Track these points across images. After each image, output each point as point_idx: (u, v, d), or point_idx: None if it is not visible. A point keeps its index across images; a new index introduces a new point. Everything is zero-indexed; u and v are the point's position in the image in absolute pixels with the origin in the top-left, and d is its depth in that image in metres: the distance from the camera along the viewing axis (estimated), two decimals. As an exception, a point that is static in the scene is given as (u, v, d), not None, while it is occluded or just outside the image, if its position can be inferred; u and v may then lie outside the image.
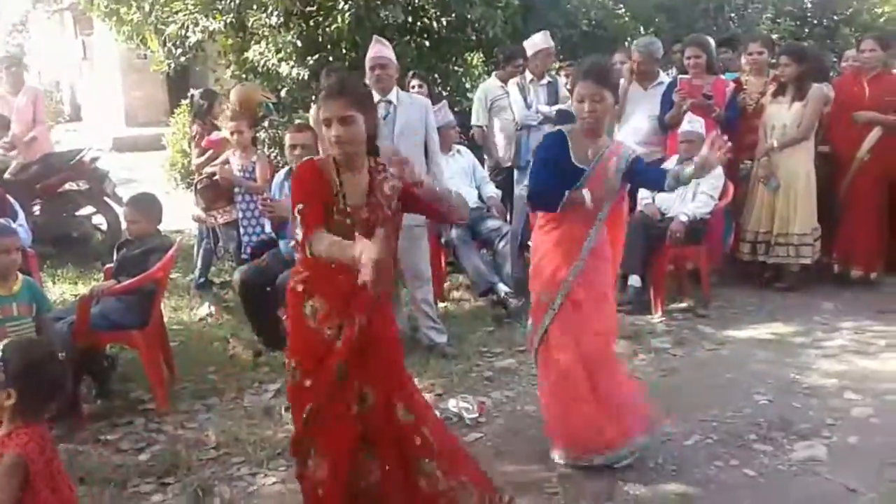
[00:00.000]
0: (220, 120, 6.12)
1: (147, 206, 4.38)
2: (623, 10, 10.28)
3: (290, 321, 2.75)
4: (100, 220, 7.24)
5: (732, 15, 10.36)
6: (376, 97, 4.69)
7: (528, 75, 6.34)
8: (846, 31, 11.48)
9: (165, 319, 4.71)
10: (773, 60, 6.21)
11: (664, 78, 6.17)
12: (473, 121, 6.54)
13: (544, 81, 6.38)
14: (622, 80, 6.32)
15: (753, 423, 3.78)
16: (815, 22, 11.85)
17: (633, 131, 6.07)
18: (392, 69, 4.71)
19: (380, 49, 4.73)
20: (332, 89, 2.65)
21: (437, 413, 3.78)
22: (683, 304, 5.54)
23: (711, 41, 6.25)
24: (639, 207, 5.63)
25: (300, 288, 2.68)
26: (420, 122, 4.71)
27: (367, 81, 4.63)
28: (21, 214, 4.96)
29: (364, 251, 2.24)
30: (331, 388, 2.66)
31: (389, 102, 4.69)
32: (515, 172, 6.30)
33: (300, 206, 2.56)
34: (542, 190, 3.39)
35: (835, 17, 11.81)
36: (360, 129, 2.60)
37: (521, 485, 3.25)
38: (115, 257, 4.38)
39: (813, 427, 3.74)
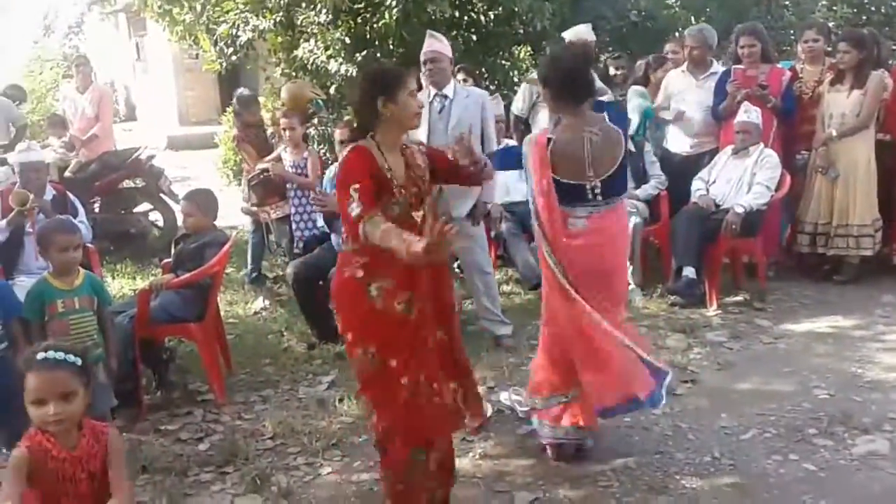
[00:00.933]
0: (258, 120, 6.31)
1: (202, 200, 4.47)
2: (673, 0, 10.12)
3: (351, 310, 2.78)
4: (156, 217, 7.40)
5: (787, 3, 10.11)
6: (432, 92, 4.73)
7: None
8: (908, 19, 11.14)
9: (221, 313, 4.80)
10: (829, 48, 6.05)
11: (717, 68, 6.06)
12: (513, 109, 6.44)
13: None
14: (672, 71, 6.25)
15: (813, 418, 3.71)
16: (873, 9, 11.49)
17: (685, 123, 6.00)
18: (445, 63, 4.71)
19: (431, 44, 4.73)
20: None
21: (490, 406, 3.83)
22: (739, 298, 5.44)
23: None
24: (693, 199, 5.55)
25: (360, 274, 2.72)
26: (476, 116, 4.70)
27: (422, 76, 4.67)
28: (81, 211, 5.09)
29: (412, 245, 2.38)
30: (422, 359, 2.75)
31: (445, 97, 4.70)
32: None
33: (354, 185, 2.61)
34: None
35: (894, 4, 11.45)
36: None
37: (574, 477, 3.24)
38: (172, 252, 4.48)
39: (874, 421, 3.64)
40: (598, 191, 3.27)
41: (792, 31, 9.35)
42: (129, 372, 3.86)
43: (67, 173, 6.86)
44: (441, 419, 2.82)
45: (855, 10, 11.00)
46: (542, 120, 6.38)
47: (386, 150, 2.78)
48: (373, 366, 2.74)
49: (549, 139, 3.25)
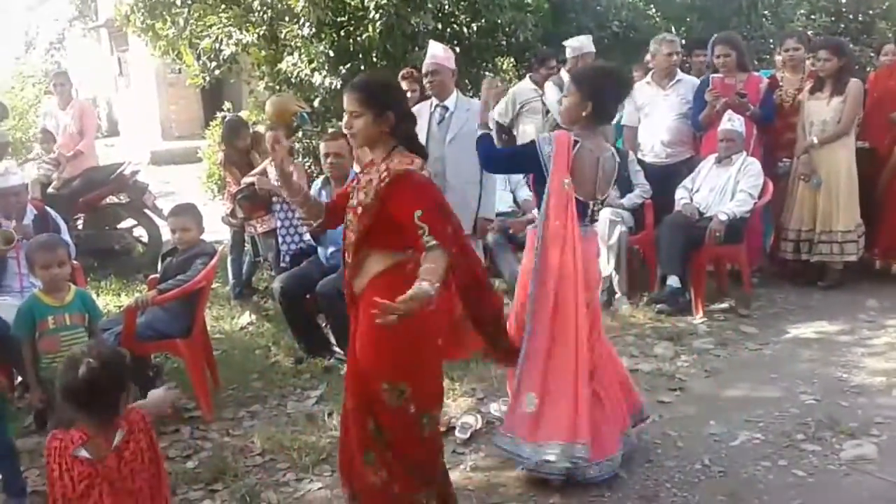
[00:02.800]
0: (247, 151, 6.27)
1: (196, 213, 4.46)
2: (654, 10, 10.22)
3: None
4: (140, 233, 7.36)
5: (766, 12, 10.21)
6: (433, 102, 4.74)
7: (565, 75, 6.32)
8: (882, 26, 11.30)
9: (208, 328, 4.77)
10: (808, 56, 6.12)
11: (681, 76, 6.10)
12: (496, 116, 6.46)
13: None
14: (637, 83, 6.28)
15: (801, 423, 3.73)
16: (851, 17, 11.66)
17: (661, 131, 6.03)
18: (445, 74, 4.72)
19: (432, 54, 4.75)
20: (352, 83, 2.81)
21: (479, 416, 3.83)
22: (724, 305, 5.48)
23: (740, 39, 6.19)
24: (677, 207, 5.59)
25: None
26: (476, 126, 4.71)
27: (425, 87, 4.73)
28: (64, 228, 5.05)
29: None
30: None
31: (446, 108, 4.72)
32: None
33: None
34: None
35: (870, 12, 11.63)
36: (365, 123, 2.68)
37: (565, 489, 3.24)
38: (159, 267, 4.45)
39: (861, 426, 3.67)
40: (595, 214, 3.32)
41: (771, 40, 9.46)
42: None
43: (51, 189, 6.81)
44: None
45: (833, 19, 11.16)
46: (529, 132, 6.44)
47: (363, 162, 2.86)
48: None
49: (575, 141, 3.24)
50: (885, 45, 6.68)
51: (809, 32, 9.19)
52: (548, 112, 6.34)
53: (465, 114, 4.73)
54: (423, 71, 4.79)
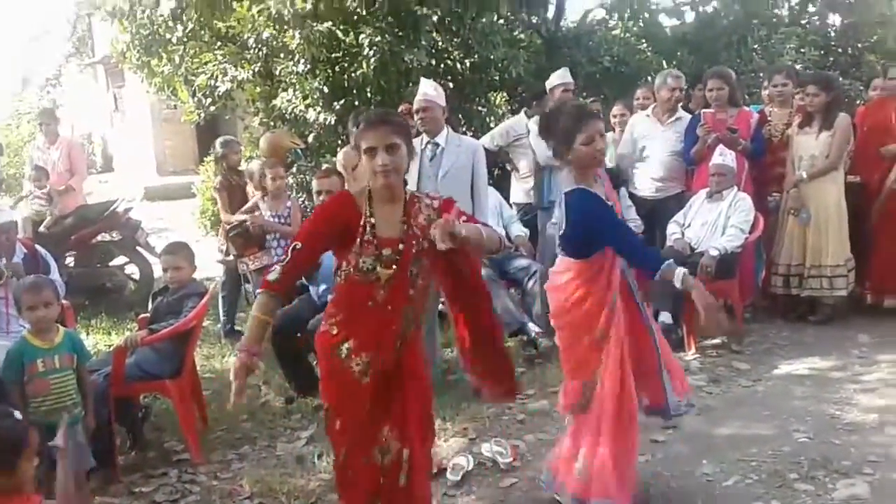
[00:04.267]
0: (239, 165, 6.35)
1: (188, 252, 4.45)
2: (645, 45, 10.32)
3: (321, 363, 2.79)
4: (132, 270, 7.35)
5: (756, 47, 10.32)
6: (424, 139, 4.77)
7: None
8: (872, 59, 11.40)
9: (198, 368, 4.74)
10: (797, 91, 6.17)
11: (682, 113, 6.15)
12: (485, 141, 6.47)
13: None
14: (637, 114, 6.34)
15: (794, 462, 3.69)
16: (840, 51, 11.78)
17: (654, 166, 6.06)
18: (437, 111, 4.77)
19: (423, 92, 4.80)
20: (376, 117, 2.67)
21: (471, 457, 3.79)
22: (717, 340, 5.46)
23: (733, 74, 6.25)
24: (668, 242, 5.60)
25: (334, 331, 2.71)
26: (468, 165, 4.74)
27: (416, 124, 4.75)
28: (54, 267, 5.02)
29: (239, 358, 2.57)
30: (358, 432, 2.69)
31: (437, 145, 4.75)
32: (539, 212, 6.29)
33: (297, 244, 2.61)
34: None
35: (860, 45, 11.74)
36: (404, 156, 2.62)
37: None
38: (150, 306, 4.43)
39: (854, 464, 3.64)
40: None
41: (761, 74, 9.54)
42: (104, 431, 3.79)
43: (42, 228, 6.82)
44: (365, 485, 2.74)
45: (822, 52, 11.26)
46: (523, 167, 6.47)
47: (378, 199, 2.64)
48: (326, 421, 2.80)
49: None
50: (875, 80, 6.73)
51: (799, 66, 9.29)
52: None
53: (457, 150, 4.76)
54: (415, 108, 4.84)
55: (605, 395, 3.14)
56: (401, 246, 2.63)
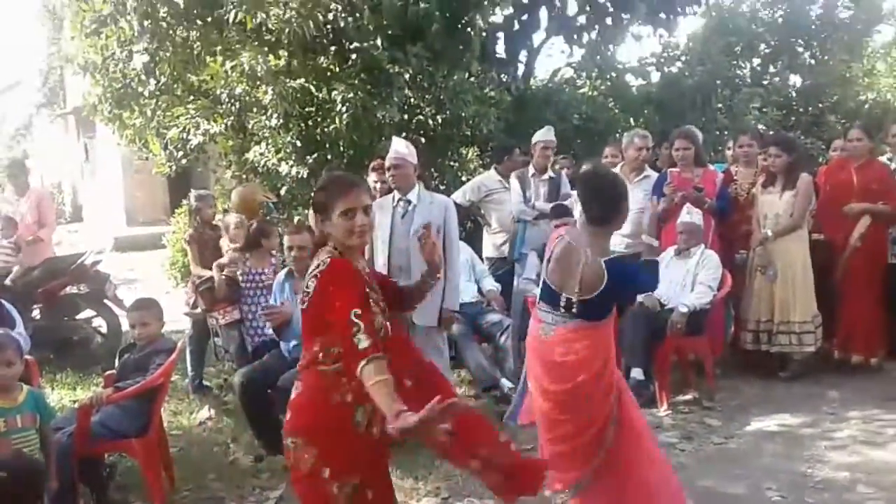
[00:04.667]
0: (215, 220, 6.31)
1: (157, 308, 4.40)
2: (612, 103, 10.57)
3: (335, 440, 2.52)
4: (100, 323, 7.22)
5: (720, 106, 10.63)
6: (396, 196, 4.81)
7: (531, 169, 6.48)
8: (832, 119, 11.79)
9: (165, 424, 4.65)
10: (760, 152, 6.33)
11: (649, 171, 6.27)
12: (457, 196, 6.55)
13: (545, 176, 6.50)
14: None
15: (767, 521, 3.70)
16: (802, 111, 12.16)
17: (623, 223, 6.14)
18: (408, 169, 4.81)
19: (395, 150, 4.84)
20: (352, 180, 2.69)
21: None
22: (688, 396, 5.49)
23: (699, 133, 6.41)
24: (639, 298, 5.64)
25: (349, 398, 2.51)
26: (439, 219, 4.77)
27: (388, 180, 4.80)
28: (19, 321, 4.94)
29: (402, 415, 2.17)
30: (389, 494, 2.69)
31: (409, 202, 4.78)
32: (516, 264, 6.34)
33: (357, 310, 2.38)
34: None
35: (820, 105, 12.14)
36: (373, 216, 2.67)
37: None
38: (116, 363, 4.36)
39: (828, 523, 3.65)
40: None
41: (725, 133, 9.80)
42: (67, 492, 3.69)
43: (8, 281, 6.70)
44: None
45: (784, 112, 11.64)
46: (495, 221, 6.55)
47: (354, 260, 2.63)
48: (348, 501, 2.51)
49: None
50: (835, 140, 6.94)
51: (761, 126, 9.57)
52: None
53: (429, 206, 4.80)
54: (387, 165, 4.88)
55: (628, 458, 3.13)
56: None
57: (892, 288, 6.01)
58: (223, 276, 5.67)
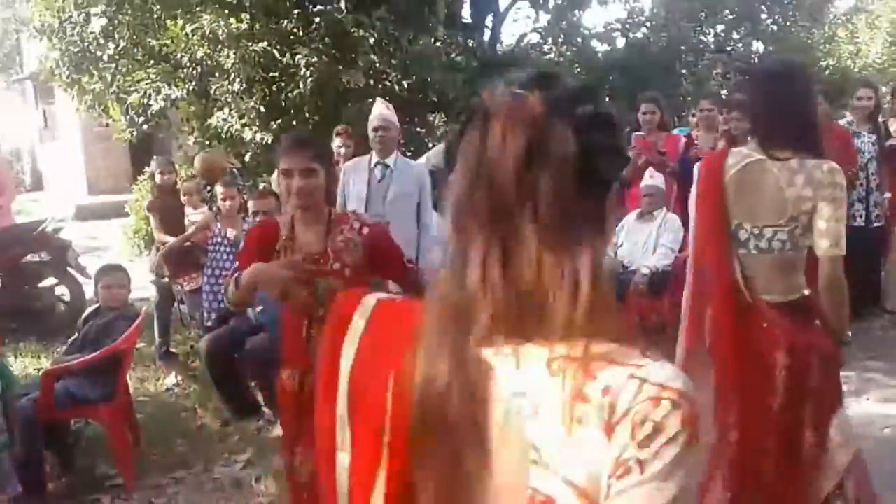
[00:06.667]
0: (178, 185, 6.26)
1: (125, 273, 4.39)
2: (578, 69, 10.60)
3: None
4: (63, 291, 7.15)
5: (684, 72, 10.71)
6: (374, 159, 4.79)
7: None
8: (793, 84, 11.93)
9: (132, 391, 4.65)
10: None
11: None
12: (421, 162, 6.53)
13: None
14: None
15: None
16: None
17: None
18: (394, 131, 4.81)
19: (382, 111, 4.82)
20: (298, 140, 2.74)
21: None
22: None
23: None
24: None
25: None
26: (415, 187, 4.77)
27: (371, 142, 4.76)
28: (-21, 292, 4.90)
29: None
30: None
31: (387, 166, 4.76)
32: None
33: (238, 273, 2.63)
34: None
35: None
36: (320, 181, 2.65)
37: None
38: (81, 329, 4.33)
39: None
40: None
41: (689, 99, 9.89)
42: (33, 458, 3.69)
43: (-33, 250, 6.60)
44: None
45: (746, 78, 11.73)
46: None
47: (298, 220, 2.69)
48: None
49: None
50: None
51: (724, 92, 9.66)
52: None
53: (405, 172, 4.80)
54: (374, 126, 4.80)
55: None
56: (332, 263, 2.65)
57: (855, 250, 6.14)
58: (189, 243, 5.64)
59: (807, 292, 2.58)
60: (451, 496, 0.92)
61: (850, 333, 2.61)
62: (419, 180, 4.84)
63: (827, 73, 13.22)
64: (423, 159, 6.73)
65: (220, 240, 5.48)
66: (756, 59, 12.41)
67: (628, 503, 0.84)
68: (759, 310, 2.54)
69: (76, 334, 4.36)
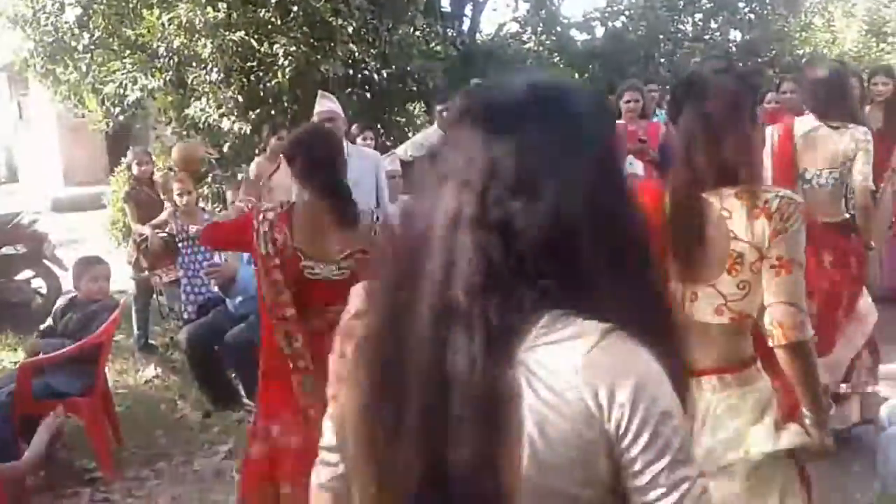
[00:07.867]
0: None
1: (106, 265, 4.36)
2: (558, 58, 10.62)
3: None
4: (39, 284, 7.08)
5: (662, 60, 10.75)
6: None
7: None
8: (770, 73, 12.01)
9: (110, 384, 4.62)
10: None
11: None
12: (399, 152, 6.51)
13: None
14: None
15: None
16: (741, 65, 12.36)
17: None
18: (340, 122, 4.78)
19: (325, 104, 4.79)
20: None
21: None
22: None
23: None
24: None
25: None
26: (370, 175, 4.76)
27: None
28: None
29: None
30: None
31: None
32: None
33: None
34: None
35: (759, 60, 12.34)
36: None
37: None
38: (60, 320, 4.29)
39: None
40: None
41: (667, 87, 9.93)
42: (9, 451, 3.66)
43: (-60, 243, 6.51)
44: None
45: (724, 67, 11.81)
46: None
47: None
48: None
49: None
50: (768, 94, 7.06)
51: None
52: None
53: (358, 160, 4.77)
54: (321, 119, 4.80)
55: None
56: None
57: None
58: (158, 235, 5.58)
59: (847, 216, 3.84)
60: None
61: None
62: (373, 167, 4.84)
63: (804, 61, 13.30)
64: (401, 149, 6.70)
65: (183, 236, 5.40)
66: (733, 48, 12.50)
67: (783, 244, 1.83)
68: (815, 225, 3.31)
69: (49, 321, 4.33)
